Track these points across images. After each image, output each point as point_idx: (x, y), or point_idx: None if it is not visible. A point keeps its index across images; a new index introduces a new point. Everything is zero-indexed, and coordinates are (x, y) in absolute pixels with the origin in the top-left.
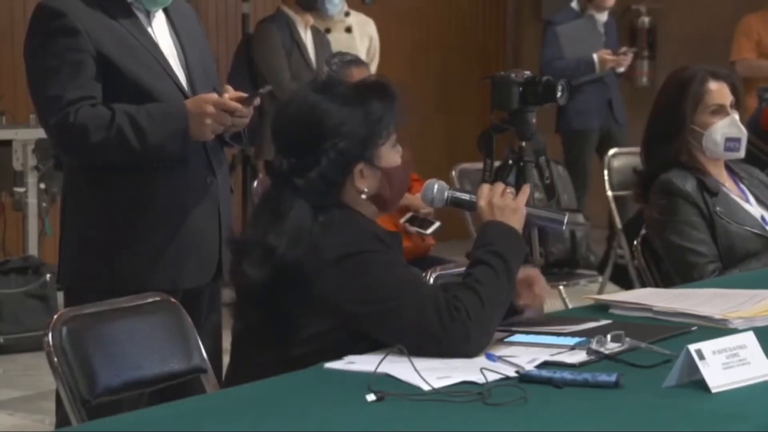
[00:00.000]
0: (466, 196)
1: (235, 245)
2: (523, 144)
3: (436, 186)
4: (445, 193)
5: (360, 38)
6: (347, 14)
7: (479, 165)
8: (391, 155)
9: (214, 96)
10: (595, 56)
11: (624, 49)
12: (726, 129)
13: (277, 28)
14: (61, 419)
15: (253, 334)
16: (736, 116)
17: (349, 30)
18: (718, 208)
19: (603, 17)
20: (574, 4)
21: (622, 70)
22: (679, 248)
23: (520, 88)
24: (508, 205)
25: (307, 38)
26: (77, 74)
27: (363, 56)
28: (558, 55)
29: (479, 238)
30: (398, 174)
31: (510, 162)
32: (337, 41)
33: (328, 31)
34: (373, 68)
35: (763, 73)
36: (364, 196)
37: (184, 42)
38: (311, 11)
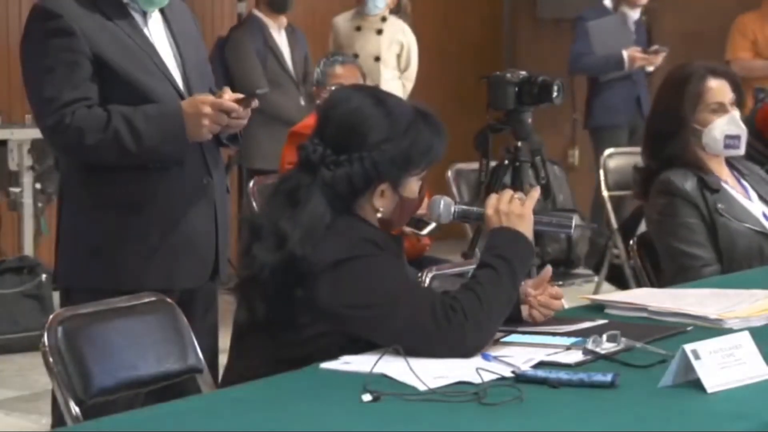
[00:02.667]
0: (473, 209)
1: (248, 225)
2: (519, 144)
3: (442, 202)
4: (452, 209)
5: (388, 43)
6: (384, 19)
7: (475, 165)
8: (413, 186)
9: (210, 96)
10: (624, 53)
11: (655, 47)
12: (725, 126)
13: (249, 36)
14: (57, 419)
15: (255, 327)
16: (737, 113)
17: (379, 32)
18: (719, 206)
19: (635, 15)
20: (607, 1)
21: (651, 69)
22: (676, 251)
23: (516, 89)
24: (513, 210)
25: (282, 40)
26: (73, 75)
27: (389, 60)
28: (586, 50)
29: (486, 244)
30: (411, 205)
31: (506, 162)
32: (362, 38)
33: (358, 29)
34: (407, 75)
35: (759, 72)
36: (379, 215)
37: (181, 42)
38: (283, 12)
